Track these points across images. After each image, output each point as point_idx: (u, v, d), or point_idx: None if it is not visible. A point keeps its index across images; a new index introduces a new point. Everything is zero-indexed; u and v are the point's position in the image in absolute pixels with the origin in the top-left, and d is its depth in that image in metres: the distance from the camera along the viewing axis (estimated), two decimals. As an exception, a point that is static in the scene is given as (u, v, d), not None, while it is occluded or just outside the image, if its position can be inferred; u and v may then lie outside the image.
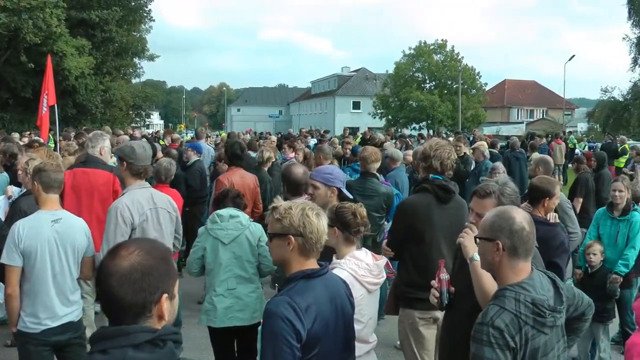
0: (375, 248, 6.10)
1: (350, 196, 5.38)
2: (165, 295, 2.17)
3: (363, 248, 4.41)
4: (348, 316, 3.41)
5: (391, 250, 5.21)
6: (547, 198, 5.34)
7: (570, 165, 12.84)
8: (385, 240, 5.38)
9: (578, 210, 9.99)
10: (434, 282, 3.77)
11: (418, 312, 5.10)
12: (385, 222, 7.48)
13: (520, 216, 3.09)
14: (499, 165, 9.93)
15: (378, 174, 8.31)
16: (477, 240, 3.20)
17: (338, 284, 3.43)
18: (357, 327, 4.02)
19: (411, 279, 5.10)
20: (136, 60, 45.13)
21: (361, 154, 7.63)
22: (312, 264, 3.25)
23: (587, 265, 7.06)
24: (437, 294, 3.71)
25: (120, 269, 2.12)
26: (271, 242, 3.31)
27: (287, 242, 3.19)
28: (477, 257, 3.52)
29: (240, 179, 8.17)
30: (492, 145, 16.16)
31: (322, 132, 33.41)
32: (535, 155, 13.27)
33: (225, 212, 5.78)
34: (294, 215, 3.18)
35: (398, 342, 7.69)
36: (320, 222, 3.22)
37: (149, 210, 5.60)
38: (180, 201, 7.50)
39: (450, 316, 3.84)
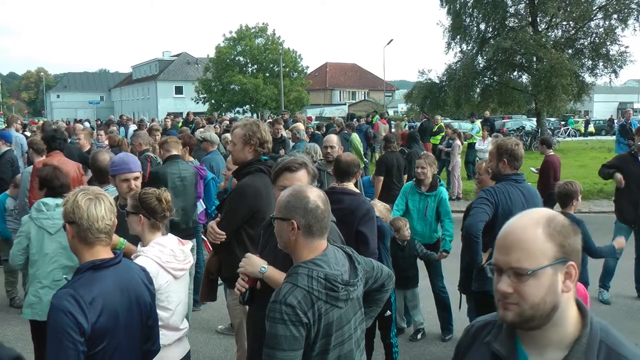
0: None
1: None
2: None
3: (169, 233, 4.33)
4: (145, 305, 3.30)
5: (225, 233, 4.97)
6: (360, 170, 5.55)
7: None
8: (213, 222, 5.19)
9: (379, 188, 10.60)
10: (242, 273, 3.66)
11: None
12: None
13: (315, 195, 3.09)
14: (314, 145, 10.11)
15: (192, 158, 8.32)
16: (274, 220, 3.17)
17: (133, 272, 3.31)
18: (164, 314, 3.96)
19: None
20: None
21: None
22: (102, 253, 3.12)
23: (398, 241, 7.31)
24: (242, 289, 3.63)
25: None
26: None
27: (68, 231, 3.11)
28: (264, 269, 3.51)
29: (58, 164, 7.78)
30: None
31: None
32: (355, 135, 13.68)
33: (51, 200, 5.58)
34: (68, 202, 3.09)
35: (219, 327, 7.70)
36: (92, 207, 3.06)
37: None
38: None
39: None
